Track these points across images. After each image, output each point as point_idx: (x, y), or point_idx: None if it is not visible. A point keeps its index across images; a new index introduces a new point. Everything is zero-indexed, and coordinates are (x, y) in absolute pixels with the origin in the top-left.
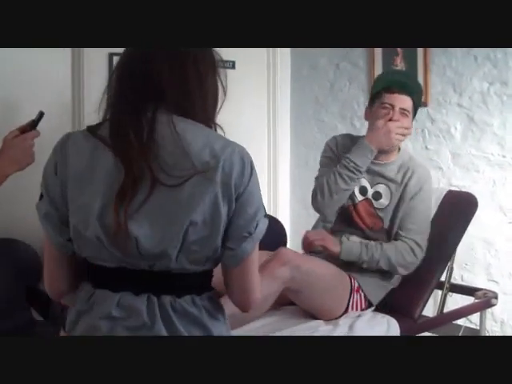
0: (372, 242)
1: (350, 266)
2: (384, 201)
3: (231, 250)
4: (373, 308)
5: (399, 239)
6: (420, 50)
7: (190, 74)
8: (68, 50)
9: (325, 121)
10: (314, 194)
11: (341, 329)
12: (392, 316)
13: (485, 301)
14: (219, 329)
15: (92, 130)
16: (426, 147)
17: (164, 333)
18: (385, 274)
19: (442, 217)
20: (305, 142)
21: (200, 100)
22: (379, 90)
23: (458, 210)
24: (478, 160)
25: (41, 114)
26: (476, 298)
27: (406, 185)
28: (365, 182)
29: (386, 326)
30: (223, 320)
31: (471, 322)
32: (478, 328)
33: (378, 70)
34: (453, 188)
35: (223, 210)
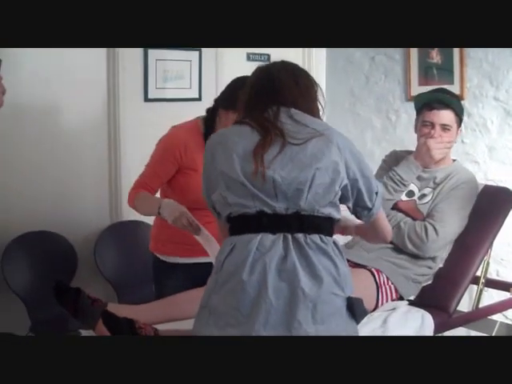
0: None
1: (378, 259)
2: (427, 198)
3: (369, 210)
4: (407, 302)
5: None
6: None
7: (300, 83)
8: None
9: (360, 114)
10: None
11: (374, 322)
12: (427, 310)
13: None
14: (344, 268)
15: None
16: (462, 141)
17: (296, 262)
18: (421, 267)
19: (478, 212)
20: None
21: (310, 101)
22: (420, 107)
23: (494, 205)
24: None
25: None
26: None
27: (445, 184)
28: (413, 187)
29: (420, 321)
30: (345, 262)
31: (507, 317)
32: None
33: (414, 63)
34: (489, 182)
35: (341, 165)
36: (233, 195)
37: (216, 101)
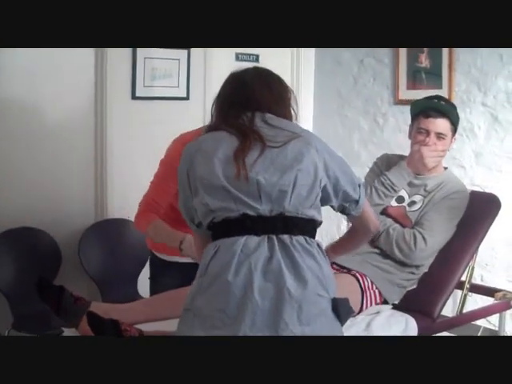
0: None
1: (364, 262)
2: (416, 206)
3: (356, 203)
4: (391, 306)
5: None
6: (445, 48)
7: (273, 89)
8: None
9: (348, 116)
10: None
11: (358, 325)
12: (411, 315)
13: (504, 302)
14: (328, 270)
15: (214, 128)
16: None
17: (282, 263)
18: (406, 273)
19: (464, 218)
20: (327, 137)
21: (283, 107)
22: (416, 114)
23: (480, 212)
24: (500, 160)
25: None
26: (496, 299)
27: (436, 193)
28: (403, 193)
29: (404, 325)
30: (328, 264)
31: (490, 322)
32: (497, 329)
33: (403, 67)
34: (475, 187)
35: (320, 166)
36: (215, 200)
37: None
